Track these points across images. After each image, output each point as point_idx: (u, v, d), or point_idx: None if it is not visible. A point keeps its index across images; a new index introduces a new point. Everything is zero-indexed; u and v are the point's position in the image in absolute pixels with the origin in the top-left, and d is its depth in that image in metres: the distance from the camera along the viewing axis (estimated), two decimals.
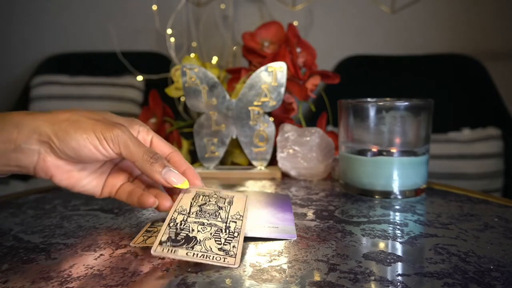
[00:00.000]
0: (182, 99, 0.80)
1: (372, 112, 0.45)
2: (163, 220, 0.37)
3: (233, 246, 0.29)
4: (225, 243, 0.29)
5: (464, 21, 1.38)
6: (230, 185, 0.52)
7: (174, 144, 0.71)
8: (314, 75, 0.65)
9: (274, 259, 0.29)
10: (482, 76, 1.26)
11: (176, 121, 0.72)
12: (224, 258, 0.27)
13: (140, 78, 0.95)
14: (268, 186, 0.52)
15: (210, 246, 0.28)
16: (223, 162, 0.66)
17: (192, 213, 0.32)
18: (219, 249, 0.28)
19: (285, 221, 0.37)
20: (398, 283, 0.25)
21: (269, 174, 0.57)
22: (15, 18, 1.53)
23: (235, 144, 0.63)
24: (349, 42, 1.43)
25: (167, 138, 0.71)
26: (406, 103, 0.45)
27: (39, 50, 1.50)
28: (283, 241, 0.32)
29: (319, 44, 0.82)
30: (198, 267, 0.27)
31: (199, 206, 0.34)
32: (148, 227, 0.35)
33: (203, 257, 0.27)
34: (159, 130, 0.70)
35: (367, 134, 0.46)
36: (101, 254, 0.30)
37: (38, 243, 0.33)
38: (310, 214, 0.39)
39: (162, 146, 0.38)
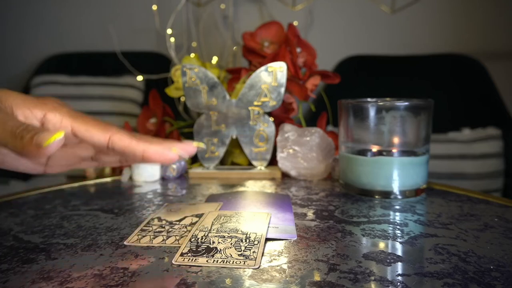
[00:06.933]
0: (182, 99, 0.80)
1: (372, 112, 0.45)
2: (159, 219, 0.37)
3: (253, 252, 0.29)
4: (245, 250, 0.30)
5: (464, 21, 1.38)
6: (230, 185, 0.52)
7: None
8: (314, 75, 0.65)
9: (274, 259, 0.29)
10: (482, 76, 1.26)
11: (176, 121, 0.72)
12: (244, 262, 0.28)
13: (140, 78, 0.96)
14: (268, 186, 0.52)
15: (230, 253, 0.29)
16: (223, 162, 0.66)
17: (213, 230, 0.33)
18: (239, 255, 0.29)
19: (285, 221, 0.37)
20: (398, 283, 0.25)
21: (269, 174, 0.57)
22: (14, 18, 1.53)
23: (235, 144, 0.63)
24: (349, 42, 1.43)
25: (167, 138, 0.71)
26: (406, 103, 0.45)
27: (39, 50, 1.50)
28: (283, 241, 0.32)
29: (319, 44, 0.82)
30: (198, 267, 0.27)
31: (220, 224, 0.35)
32: (143, 226, 0.35)
33: (223, 263, 0.28)
34: (159, 130, 0.70)
35: (367, 134, 0.46)
36: (101, 254, 0.30)
37: (38, 243, 0.33)
38: (310, 214, 0.39)
39: (91, 136, 0.29)
